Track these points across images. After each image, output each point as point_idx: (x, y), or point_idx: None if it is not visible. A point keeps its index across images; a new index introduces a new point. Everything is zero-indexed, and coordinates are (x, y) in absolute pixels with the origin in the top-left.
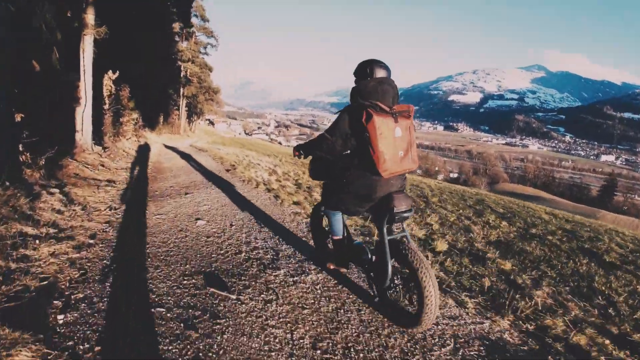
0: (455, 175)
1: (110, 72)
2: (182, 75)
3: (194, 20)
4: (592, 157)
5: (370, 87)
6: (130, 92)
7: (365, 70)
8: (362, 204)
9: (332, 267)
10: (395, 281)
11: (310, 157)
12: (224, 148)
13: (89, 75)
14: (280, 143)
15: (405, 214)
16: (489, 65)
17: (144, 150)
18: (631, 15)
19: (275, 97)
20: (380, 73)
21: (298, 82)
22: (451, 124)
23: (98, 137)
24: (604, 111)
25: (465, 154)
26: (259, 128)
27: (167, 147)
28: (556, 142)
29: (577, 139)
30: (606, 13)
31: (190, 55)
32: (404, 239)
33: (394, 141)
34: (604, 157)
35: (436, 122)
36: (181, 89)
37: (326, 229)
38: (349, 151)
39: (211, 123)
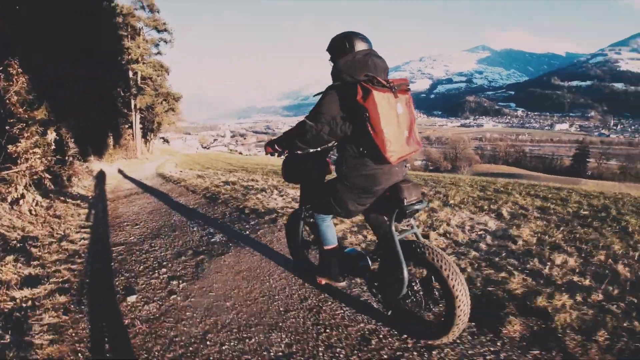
0: (420, 162)
1: None
2: (132, 82)
3: (140, 13)
4: (546, 127)
5: (357, 60)
6: (39, 89)
7: (343, 44)
8: (361, 200)
9: (324, 282)
10: (415, 287)
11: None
12: (196, 172)
13: None
14: (240, 153)
15: (417, 206)
16: (435, 52)
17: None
18: None
19: (226, 107)
20: (361, 45)
21: (247, 89)
22: None
23: None
24: (552, 82)
25: (424, 140)
26: (215, 140)
27: (127, 177)
28: (509, 117)
29: (529, 112)
30: None
31: (140, 53)
32: (415, 237)
33: (397, 119)
34: (558, 126)
35: None
36: (132, 101)
37: (307, 238)
38: (334, 141)
39: (166, 141)
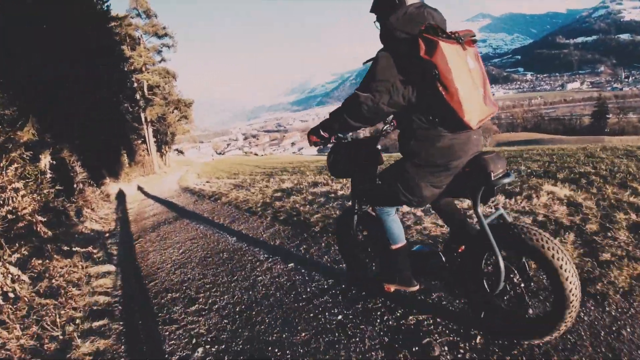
0: None
1: None
2: (139, 95)
3: (137, 20)
4: (558, 88)
5: (411, 14)
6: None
7: (392, 0)
8: (438, 181)
9: (393, 288)
10: (515, 280)
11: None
12: (228, 181)
13: None
14: (255, 154)
15: (506, 180)
16: None
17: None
18: None
19: (235, 109)
20: None
21: (253, 89)
22: None
23: None
24: (557, 41)
25: None
26: (228, 145)
27: (149, 195)
28: (519, 83)
29: (538, 75)
30: None
31: (143, 62)
32: (504, 219)
33: (471, 75)
34: (569, 86)
35: None
36: (142, 114)
37: (362, 239)
38: (388, 124)
39: (180, 152)
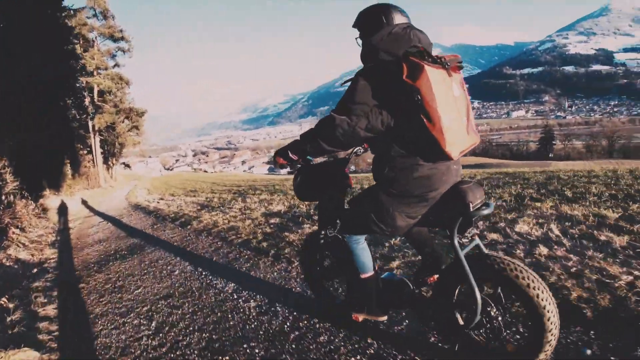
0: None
1: None
2: (87, 100)
3: (93, 21)
4: (504, 116)
5: (396, 34)
6: None
7: (378, 18)
8: (413, 211)
9: (362, 318)
10: (492, 313)
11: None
12: (188, 199)
13: None
14: (205, 171)
15: (485, 211)
16: None
17: None
18: None
19: (185, 126)
20: (400, 19)
21: (205, 106)
22: None
23: None
24: (505, 72)
25: None
26: (177, 161)
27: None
28: None
29: (485, 103)
30: None
31: (95, 65)
32: (479, 249)
33: (456, 103)
34: (515, 114)
35: None
36: (90, 122)
37: (328, 265)
38: (359, 146)
39: (127, 166)
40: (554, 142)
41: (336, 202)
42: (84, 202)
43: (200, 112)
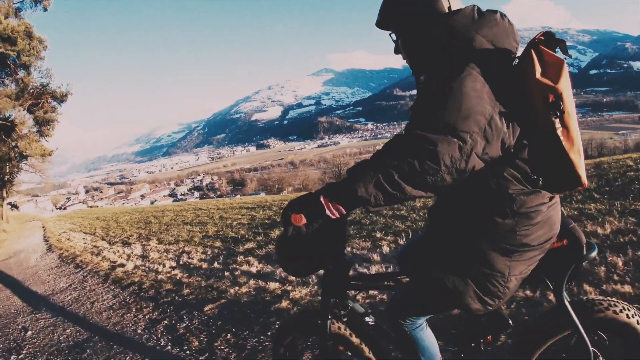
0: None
1: None
2: None
3: None
4: None
5: (484, 14)
6: None
7: (437, 1)
8: (528, 269)
9: None
10: None
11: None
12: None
13: None
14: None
15: (592, 253)
16: (282, 78)
17: None
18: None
19: (73, 160)
20: (458, 4)
21: (93, 139)
22: (261, 142)
23: None
24: (394, 94)
25: (289, 165)
26: (69, 199)
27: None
28: (361, 132)
29: (378, 124)
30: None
31: None
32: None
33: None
34: None
35: (247, 144)
36: None
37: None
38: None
39: (14, 206)
40: None
41: (343, 269)
42: None
43: (89, 145)
